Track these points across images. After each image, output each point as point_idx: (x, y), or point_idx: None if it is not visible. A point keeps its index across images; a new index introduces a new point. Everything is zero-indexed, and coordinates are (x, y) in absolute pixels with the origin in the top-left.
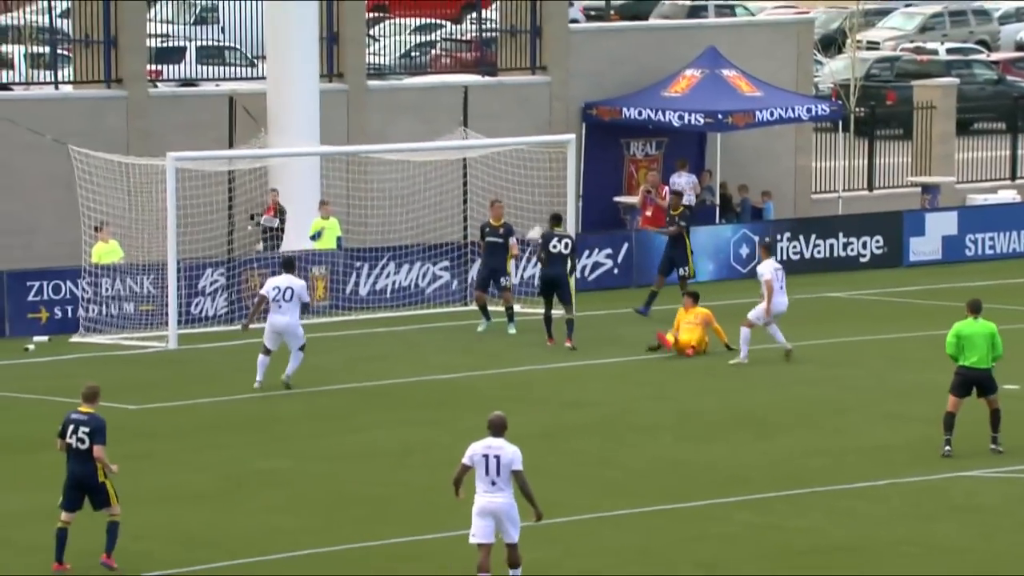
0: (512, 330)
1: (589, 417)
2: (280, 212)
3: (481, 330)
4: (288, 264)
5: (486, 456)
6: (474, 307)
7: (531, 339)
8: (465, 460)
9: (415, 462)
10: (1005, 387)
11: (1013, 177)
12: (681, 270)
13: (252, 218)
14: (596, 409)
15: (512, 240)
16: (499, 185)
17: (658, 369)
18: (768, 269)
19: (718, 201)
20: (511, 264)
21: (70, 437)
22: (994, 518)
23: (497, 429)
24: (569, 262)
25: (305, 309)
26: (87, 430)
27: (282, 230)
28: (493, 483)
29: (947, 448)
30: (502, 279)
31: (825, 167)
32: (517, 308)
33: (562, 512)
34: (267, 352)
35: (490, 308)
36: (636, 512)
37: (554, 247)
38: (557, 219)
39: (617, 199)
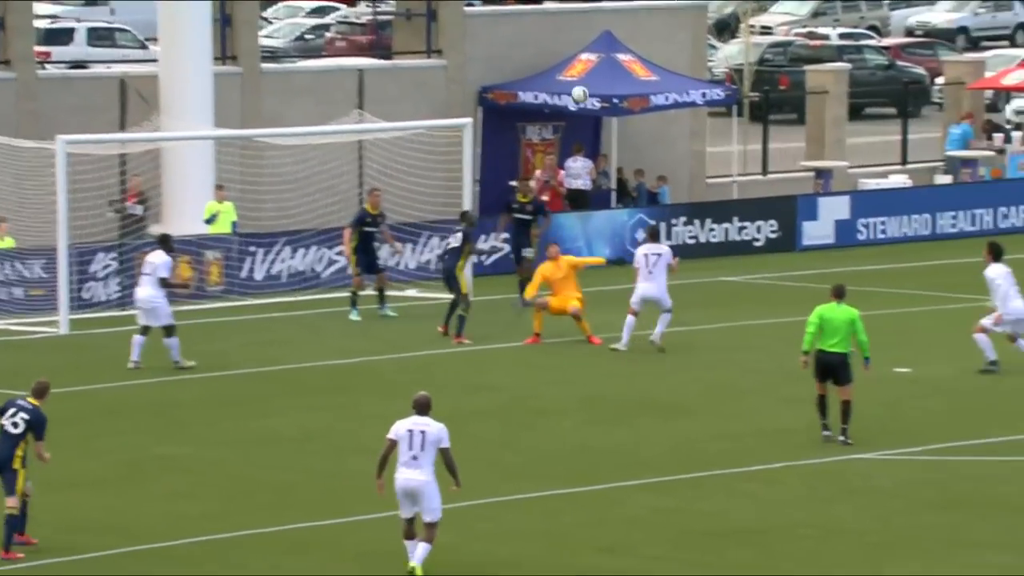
0: (388, 312)
1: (491, 402)
2: (142, 200)
3: (355, 318)
4: (162, 240)
5: (411, 431)
6: (372, 291)
7: (432, 324)
8: (391, 435)
9: (316, 448)
10: (897, 370)
11: (904, 162)
12: (526, 251)
13: (111, 204)
14: (498, 393)
15: (384, 228)
16: (395, 169)
17: (561, 354)
18: (639, 253)
19: (614, 186)
20: (385, 249)
21: (5, 418)
22: (889, 500)
23: (422, 408)
24: (461, 256)
25: (163, 285)
26: (27, 419)
27: (144, 218)
28: (415, 457)
29: (825, 432)
30: (378, 263)
31: (720, 152)
32: (414, 293)
33: (463, 496)
34: (142, 331)
35: (363, 293)
36: (538, 496)
37: (449, 243)
38: (463, 215)
39: (514, 183)
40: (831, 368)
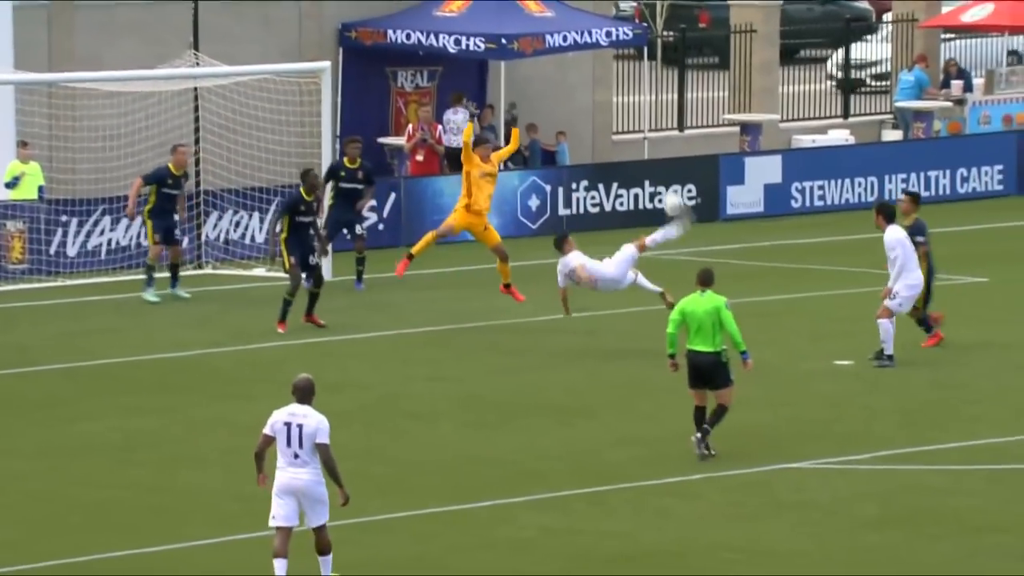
0: (180, 293)
1: (352, 402)
2: None
3: (150, 298)
4: None
5: (288, 425)
6: (210, 271)
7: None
8: (267, 430)
9: (141, 458)
10: (837, 363)
11: (846, 115)
12: (359, 227)
13: None
14: (360, 392)
15: (182, 193)
16: (239, 123)
17: (435, 344)
18: None
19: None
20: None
21: None
22: (824, 516)
23: (303, 394)
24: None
25: None
26: None
27: None
28: (296, 456)
29: (700, 447)
30: (176, 232)
31: (628, 102)
32: (262, 272)
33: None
34: None
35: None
36: (410, 515)
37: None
38: (303, 175)
39: (382, 140)
40: (702, 372)
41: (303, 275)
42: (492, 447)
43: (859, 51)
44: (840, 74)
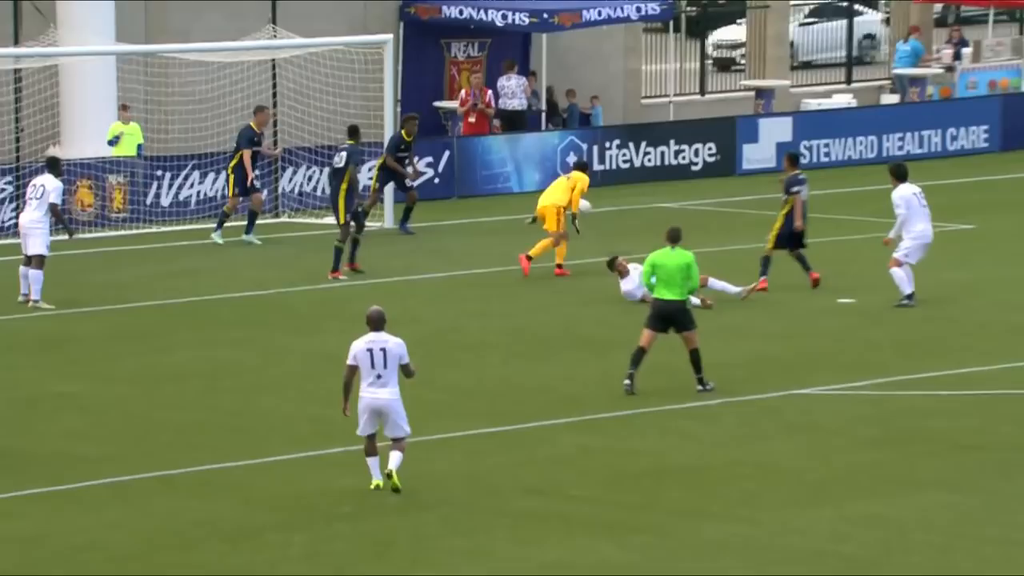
0: (252, 239)
1: (411, 335)
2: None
3: (218, 240)
4: (51, 164)
5: (370, 350)
6: (286, 219)
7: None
8: (349, 360)
9: (224, 385)
10: (841, 301)
11: (848, 81)
12: (409, 181)
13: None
14: (418, 326)
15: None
16: (312, 89)
17: (486, 284)
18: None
19: (544, 107)
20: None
21: None
22: (829, 437)
23: (377, 323)
24: (345, 177)
25: (52, 212)
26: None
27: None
28: (379, 376)
29: (627, 383)
30: (255, 183)
31: (655, 70)
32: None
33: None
34: (26, 261)
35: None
36: (461, 435)
37: (336, 162)
38: (352, 131)
39: (438, 104)
40: (669, 316)
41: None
42: (535, 376)
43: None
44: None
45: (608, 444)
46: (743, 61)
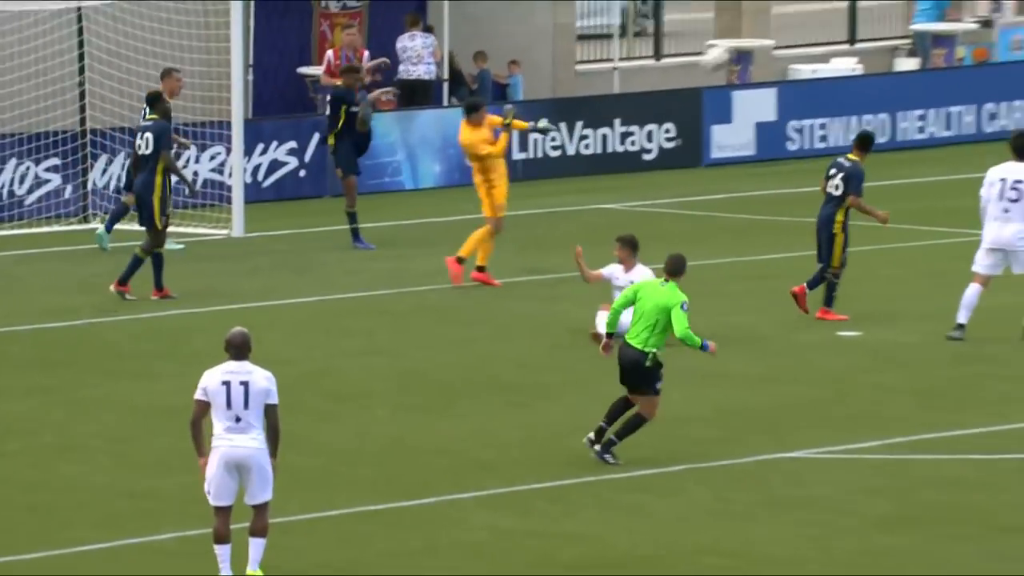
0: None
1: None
2: None
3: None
4: None
5: (228, 384)
6: (98, 224)
7: (182, 270)
8: (199, 395)
9: (13, 449)
10: (841, 334)
11: (852, 40)
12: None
13: None
14: (281, 369)
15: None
16: (132, 49)
17: (370, 312)
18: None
19: (446, 75)
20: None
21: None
22: (828, 516)
23: (240, 350)
24: (156, 168)
25: None
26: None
27: None
28: (238, 419)
29: (591, 435)
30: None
31: (595, 25)
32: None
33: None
34: None
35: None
36: (337, 514)
37: (140, 147)
38: (152, 100)
39: (304, 71)
40: (624, 369)
41: None
42: (435, 434)
43: None
44: None
45: (533, 526)
46: (711, 14)
